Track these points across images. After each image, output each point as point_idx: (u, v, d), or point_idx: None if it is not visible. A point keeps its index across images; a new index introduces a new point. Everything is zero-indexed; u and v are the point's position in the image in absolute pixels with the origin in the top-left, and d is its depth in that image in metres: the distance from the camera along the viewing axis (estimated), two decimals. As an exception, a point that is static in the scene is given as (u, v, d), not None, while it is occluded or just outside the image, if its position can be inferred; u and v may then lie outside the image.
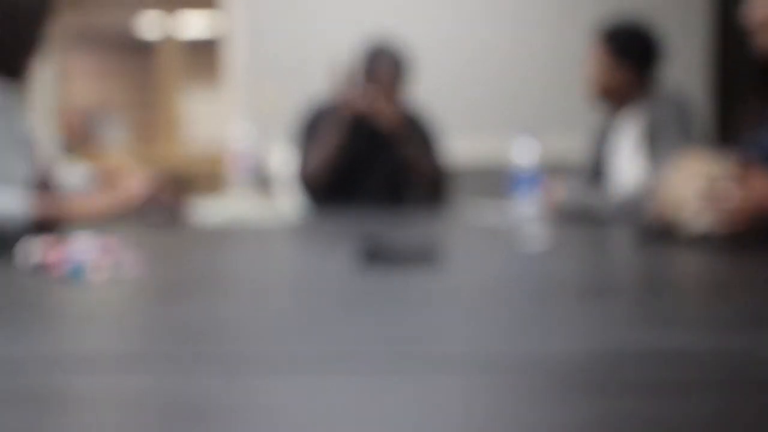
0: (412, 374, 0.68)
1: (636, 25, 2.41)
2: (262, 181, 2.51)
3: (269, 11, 4.05)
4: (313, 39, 4.00)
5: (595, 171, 2.53)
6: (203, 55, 9.68)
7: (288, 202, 2.32)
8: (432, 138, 2.81)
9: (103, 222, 1.61)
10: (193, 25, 8.55)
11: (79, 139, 4.59)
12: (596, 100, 2.48)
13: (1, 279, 1.23)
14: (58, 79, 4.79)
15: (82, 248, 1.25)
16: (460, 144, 3.90)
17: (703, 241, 1.41)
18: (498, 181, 2.17)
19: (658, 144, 2.26)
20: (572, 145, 3.35)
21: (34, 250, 1.25)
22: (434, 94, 3.90)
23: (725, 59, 4.01)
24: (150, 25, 8.34)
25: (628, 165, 2.40)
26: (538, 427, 0.55)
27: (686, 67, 3.79)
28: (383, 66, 2.65)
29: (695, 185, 1.10)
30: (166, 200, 1.57)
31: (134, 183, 1.55)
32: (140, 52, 9.77)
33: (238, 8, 4.07)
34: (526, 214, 1.51)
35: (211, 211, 2.23)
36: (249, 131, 2.35)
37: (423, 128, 2.80)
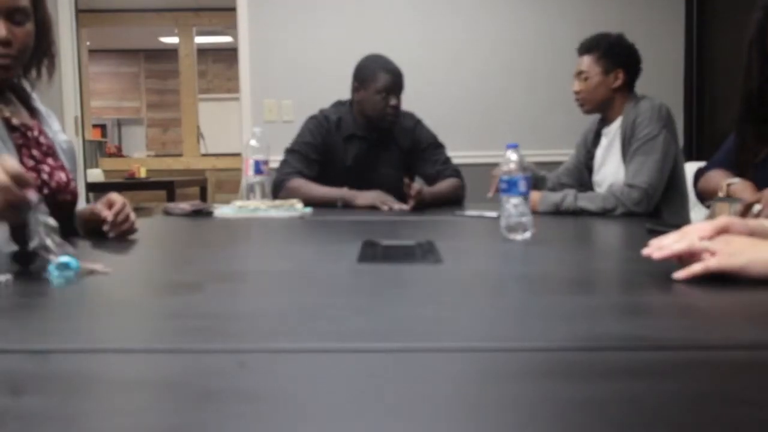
0: (410, 359, 0.69)
1: (619, 36, 2.40)
2: (271, 183, 2.50)
3: (276, 25, 4.04)
4: (317, 52, 4.00)
5: (581, 171, 2.53)
6: (223, 65, 9.67)
7: (297, 203, 2.32)
8: (433, 144, 2.78)
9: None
10: (212, 36, 8.54)
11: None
12: (589, 113, 2.45)
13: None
14: (81, 89, 4.76)
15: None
16: (461, 154, 3.90)
17: None
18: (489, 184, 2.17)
19: (635, 140, 2.26)
20: (553, 158, 3.36)
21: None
22: (439, 114, 3.90)
23: (698, 75, 4.01)
24: (171, 36, 8.34)
25: (610, 164, 2.40)
26: (526, 406, 0.55)
27: (660, 82, 3.79)
28: (382, 76, 2.62)
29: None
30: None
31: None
32: (162, 61, 9.76)
33: (248, 21, 4.06)
34: (516, 211, 1.51)
35: (227, 208, 2.22)
36: (260, 137, 2.35)
37: (422, 139, 2.77)
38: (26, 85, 1.57)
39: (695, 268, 0.98)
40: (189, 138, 7.63)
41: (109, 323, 0.85)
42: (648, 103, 2.31)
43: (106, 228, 1.53)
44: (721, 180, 1.74)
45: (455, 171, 2.73)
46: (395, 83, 2.63)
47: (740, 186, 1.69)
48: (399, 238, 1.59)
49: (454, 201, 2.62)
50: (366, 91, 2.64)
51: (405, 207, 2.38)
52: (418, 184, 2.42)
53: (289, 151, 2.68)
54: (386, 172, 2.69)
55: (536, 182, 2.42)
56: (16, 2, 1.43)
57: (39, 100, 1.64)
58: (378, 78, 2.62)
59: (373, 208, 2.41)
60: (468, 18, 4.06)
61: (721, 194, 1.71)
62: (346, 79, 2.81)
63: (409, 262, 1.28)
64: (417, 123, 2.79)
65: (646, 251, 1.04)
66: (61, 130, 1.67)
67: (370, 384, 0.61)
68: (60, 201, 1.54)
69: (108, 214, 1.53)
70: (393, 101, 2.63)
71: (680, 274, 0.99)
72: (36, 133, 1.56)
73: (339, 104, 2.78)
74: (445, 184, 2.66)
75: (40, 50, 1.53)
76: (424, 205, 2.40)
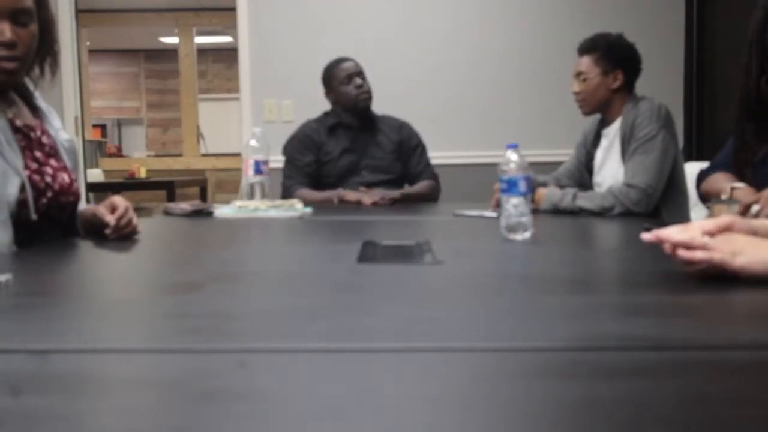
0: (409, 359, 0.68)
1: (619, 37, 2.40)
2: (270, 184, 2.50)
3: (276, 25, 4.04)
4: (317, 52, 4.00)
5: (581, 172, 2.52)
6: (223, 65, 9.67)
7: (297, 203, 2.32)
8: (420, 146, 2.97)
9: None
10: (212, 36, 8.53)
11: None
12: (589, 114, 2.45)
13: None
14: (81, 89, 4.75)
15: None
16: (461, 154, 3.90)
17: None
18: (491, 184, 2.17)
19: (635, 140, 2.26)
20: (553, 158, 3.35)
21: None
22: (439, 114, 3.91)
23: (698, 75, 4.01)
24: (171, 36, 8.33)
25: (610, 165, 2.40)
26: (527, 406, 0.55)
27: (660, 82, 3.78)
28: (339, 68, 2.87)
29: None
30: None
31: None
32: (162, 61, 9.75)
33: (248, 21, 4.06)
34: (516, 211, 1.51)
35: (227, 208, 2.22)
36: (260, 137, 2.34)
37: (412, 138, 2.96)
38: (29, 83, 1.57)
39: (699, 254, 0.97)
40: (189, 138, 7.62)
41: (109, 323, 0.85)
42: (647, 103, 2.30)
43: (107, 231, 1.53)
44: (725, 183, 1.74)
45: (433, 174, 2.99)
46: (351, 68, 2.89)
47: (744, 191, 1.69)
48: (399, 238, 1.59)
49: (429, 198, 2.89)
50: (334, 89, 2.90)
51: (391, 195, 2.65)
52: (378, 192, 2.66)
53: (287, 163, 2.89)
54: (377, 157, 2.88)
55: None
56: (20, 3, 1.42)
57: (41, 98, 1.64)
58: (336, 73, 2.89)
59: (359, 203, 2.62)
60: (468, 18, 4.06)
61: (724, 197, 1.70)
62: (345, 79, 2.84)
63: (409, 262, 1.28)
64: (403, 123, 3.01)
65: (645, 236, 1.03)
66: (62, 128, 1.67)
67: (370, 384, 0.61)
68: (63, 203, 1.54)
69: (110, 219, 1.53)
70: (358, 82, 2.87)
71: (684, 253, 0.97)
72: (39, 133, 1.55)
73: (325, 113, 2.99)
74: (420, 185, 2.92)
75: (44, 49, 1.52)
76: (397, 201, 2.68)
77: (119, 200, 1.57)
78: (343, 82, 2.86)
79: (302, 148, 2.86)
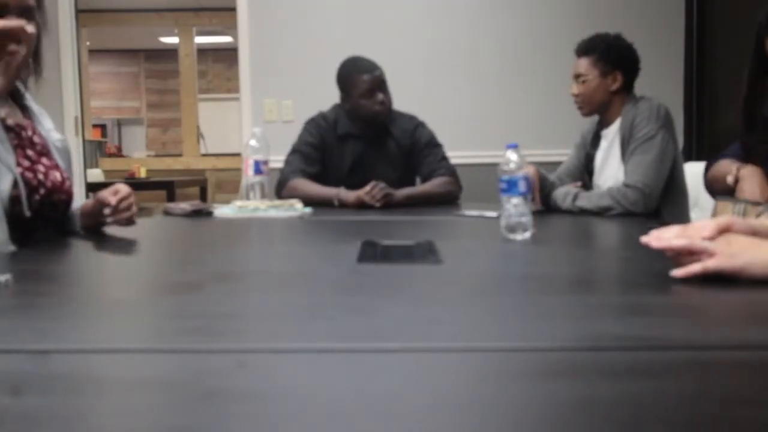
0: (410, 359, 0.68)
1: (617, 37, 2.39)
2: (271, 183, 2.50)
3: (276, 25, 4.04)
4: (317, 52, 4.00)
5: (582, 173, 2.52)
6: (223, 65, 9.67)
7: (296, 203, 2.32)
8: (431, 143, 2.80)
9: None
10: (212, 36, 8.53)
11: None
12: (588, 115, 2.44)
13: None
14: (81, 89, 4.75)
15: None
16: (461, 154, 3.90)
17: None
18: (492, 184, 2.17)
19: (634, 141, 2.26)
20: (553, 158, 3.35)
21: None
22: (439, 113, 3.91)
23: (698, 75, 4.01)
24: (171, 36, 8.33)
25: (611, 166, 2.40)
26: (527, 406, 0.55)
27: (660, 84, 3.78)
28: (361, 79, 2.67)
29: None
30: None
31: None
32: (162, 61, 9.75)
33: (248, 21, 4.06)
34: (516, 211, 1.51)
35: (227, 208, 2.22)
36: (260, 137, 2.34)
37: (422, 138, 2.79)
38: (19, 84, 1.57)
39: (694, 268, 0.98)
40: (189, 138, 7.62)
41: (109, 323, 0.85)
42: (646, 103, 2.30)
43: (107, 211, 1.56)
44: (732, 166, 1.74)
45: (448, 169, 2.74)
46: (375, 80, 2.68)
47: (750, 170, 1.69)
48: (399, 238, 1.59)
49: (442, 198, 2.65)
50: (352, 98, 2.70)
51: (393, 193, 2.44)
52: (379, 188, 2.43)
53: (291, 152, 2.73)
54: (385, 171, 2.70)
55: (549, 188, 2.35)
56: (26, 1, 1.43)
57: (32, 99, 1.64)
58: (358, 83, 2.68)
59: (362, 206, 2.41)
60: (468, 17, 4.06)
61: (730, 178, 1.70)
62: (345, 79, 2.81)
63: (409, 262, 1.28)
64: (418, 125, 2.82)
65: (644, 239, 1.04)
66: (54, 129, 1.68)
67: (370, 384, 0.61)
68: (56, 201, 1.54)
69: (112, 200, 1.56)
70: (379, 97, 2.68)
71: (678, 272, 0.99)
72: (30, 132, 1.56)
73: (337, 107, 2.82)
74: (429, 183, 2.69)
75: (38, 51, 1.53)
76: (399, 205, 2.44)
77: (123, 186, 1.62)
78: (364, 95, 2.66)
79: (313, 146, 2.70)
